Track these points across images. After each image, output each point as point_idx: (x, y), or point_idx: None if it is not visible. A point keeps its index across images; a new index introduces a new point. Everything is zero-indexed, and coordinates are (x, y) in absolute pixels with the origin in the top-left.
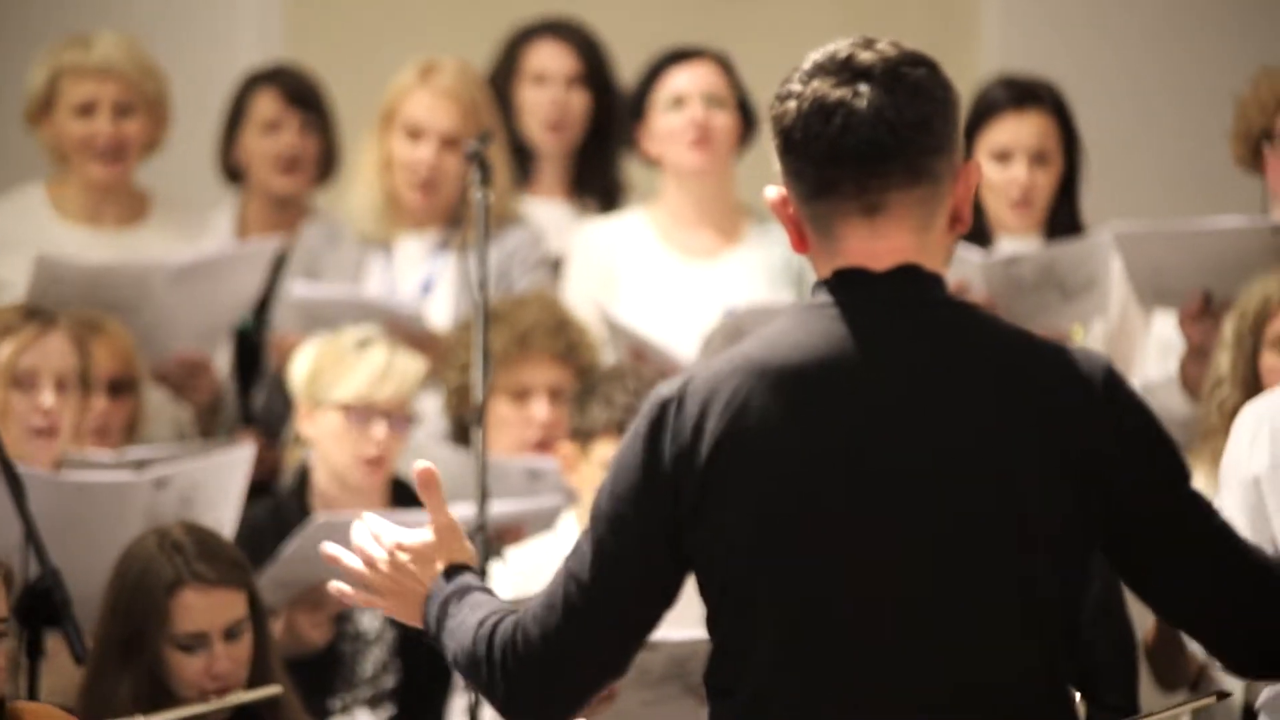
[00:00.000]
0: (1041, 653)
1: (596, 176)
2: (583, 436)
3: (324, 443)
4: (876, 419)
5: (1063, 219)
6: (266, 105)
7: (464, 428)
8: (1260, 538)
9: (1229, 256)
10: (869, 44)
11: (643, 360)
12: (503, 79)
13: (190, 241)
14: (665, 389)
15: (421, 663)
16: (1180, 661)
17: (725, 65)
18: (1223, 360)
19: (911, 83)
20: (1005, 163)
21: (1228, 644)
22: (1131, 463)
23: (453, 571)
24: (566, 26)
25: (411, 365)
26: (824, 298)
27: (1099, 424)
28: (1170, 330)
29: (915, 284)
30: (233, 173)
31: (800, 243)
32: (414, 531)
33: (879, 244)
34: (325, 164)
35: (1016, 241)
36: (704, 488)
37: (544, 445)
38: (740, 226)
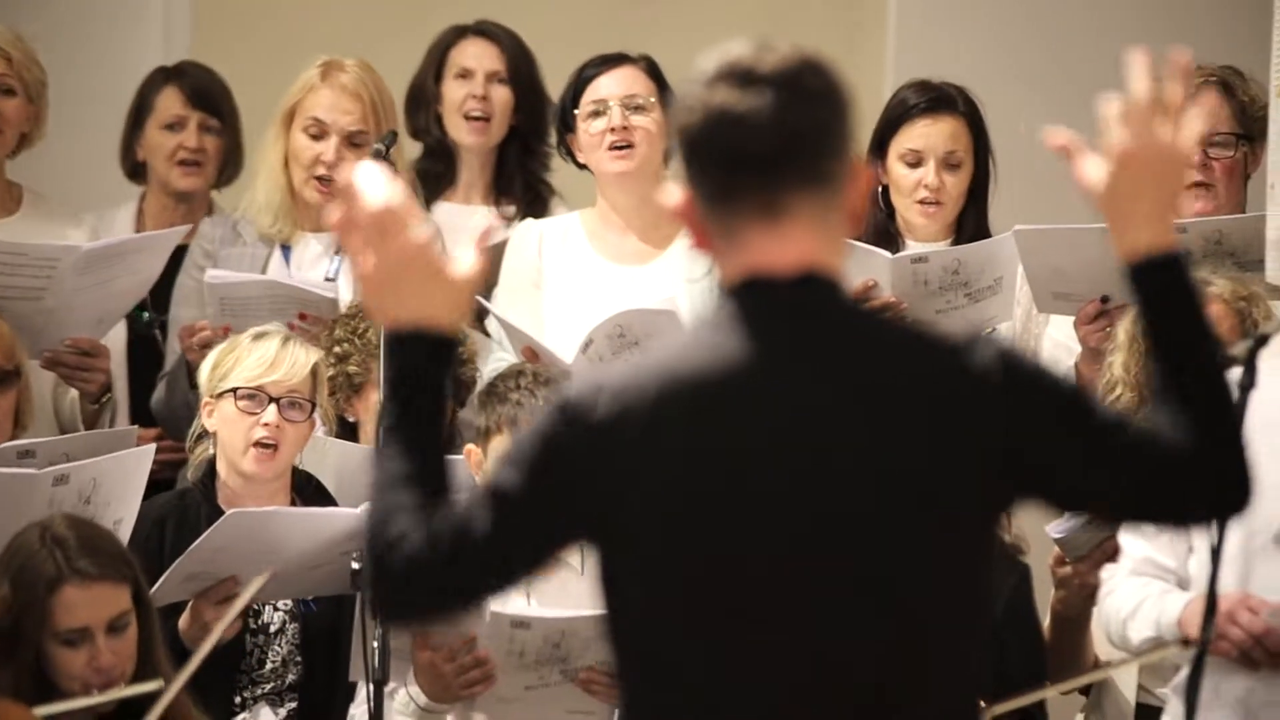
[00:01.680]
0: (962, 652)
1: (517, 179)
2: (483, 436)
3: (220, 431)
4: (787, 428)
5: (971, 224)
6: (169, 103)
7: (342, 421)
8: None
9: None
10: (768, 48)
11: (537, 360)
12: (430, 81)
13: (59, 238)
14: (576, 392)
15: (324, 658)
16: (1077, 655)
17: (650, 69)
18: (1117, 362)
19: (811, 89)
20: (916, 167)
21: (1175, 513)
22: (1037, 417)
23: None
24: (492, 27)
25: (303, 354)
26: (731, 306)
27: (1005, 403)
28: (1064, 333)
29: (819, 289)
30: (134, 169)
31: (703, 243)
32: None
33: (782, 247)
34: (227, 164)
35: (925, 247)
36: (613, 496)
37: None
38: (669, 232)
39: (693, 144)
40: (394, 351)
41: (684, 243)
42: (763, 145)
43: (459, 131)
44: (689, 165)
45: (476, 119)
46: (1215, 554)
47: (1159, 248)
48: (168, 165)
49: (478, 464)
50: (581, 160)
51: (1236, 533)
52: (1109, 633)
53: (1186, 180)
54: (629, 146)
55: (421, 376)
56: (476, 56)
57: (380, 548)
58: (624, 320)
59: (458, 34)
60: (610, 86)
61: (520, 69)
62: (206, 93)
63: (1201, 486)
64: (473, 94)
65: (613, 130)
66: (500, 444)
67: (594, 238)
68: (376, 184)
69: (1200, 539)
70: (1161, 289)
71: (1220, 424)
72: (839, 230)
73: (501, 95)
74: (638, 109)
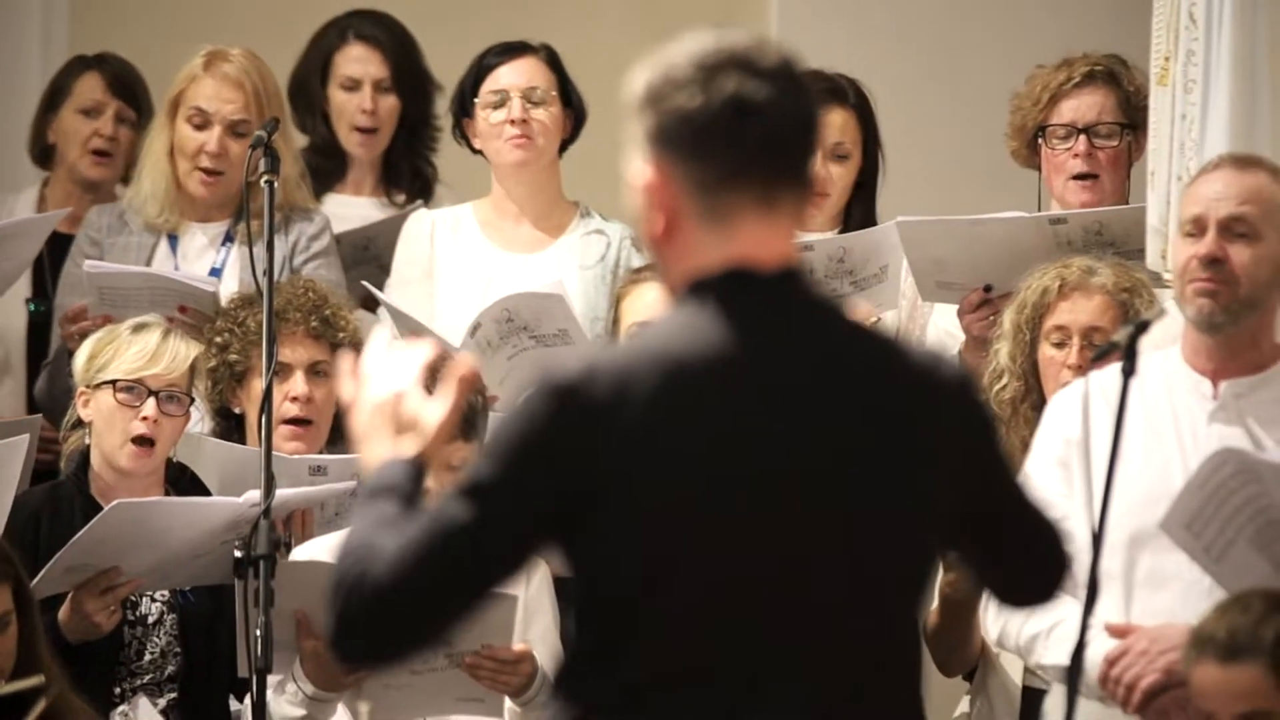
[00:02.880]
0: (913, 640)
1: (406, 171)
2: None
3: (97, 422)
4: (783, 412)
5: (859, 215)
6: (89, 88)
7: (225, 413)
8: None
9: (1008, 249)
10: (755, 40)
11: None
12: (313, 77)
13: None
14: (564, 375)
15: (203, 648)
16: (960, 646)
17: (550, 60)
18: (1002, 351)
19: (805, 84)
20: None
21: (1018, 583)
22: (983, 454)
23: (418, 467)
24: (373, 29)
25: (183, 348)
26: (719, 295)
27: (962, 420)
28: (950, 321)
29: (801, 281)
30: (43, 154)
31: (664, 231)
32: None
33: (774, 237)
34: (136, 159)
35: (812, 237)
36: (603, 480)
37: (302, 421)
38: (563, 221)
39: (699, 128)
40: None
41: (577, 231)
42: (780, 137)
43: (349, 142)
44: (686, 149)
45: (366, 131)
46: (1096, 541)
47: None
48: (80, 152)
49: None
50: (477, 146)
51: (1123, 526)
52: (1007, 637)
53: (1071, 171)
54: (528, 137)
55: (399, 486)
56: (361, 63)
57: (348, 584)
58: (511, 304)
59: (339, 36)
60: (511, 77)
61: (404, 70)
62: (126, 84)
63: (1047, 567)
64: (361, 108)
65: (512, 122)
66: None
67: (486, 226)
68: (381, 368)
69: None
70: None
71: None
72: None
73: (388, 104)
74: (538, 102)
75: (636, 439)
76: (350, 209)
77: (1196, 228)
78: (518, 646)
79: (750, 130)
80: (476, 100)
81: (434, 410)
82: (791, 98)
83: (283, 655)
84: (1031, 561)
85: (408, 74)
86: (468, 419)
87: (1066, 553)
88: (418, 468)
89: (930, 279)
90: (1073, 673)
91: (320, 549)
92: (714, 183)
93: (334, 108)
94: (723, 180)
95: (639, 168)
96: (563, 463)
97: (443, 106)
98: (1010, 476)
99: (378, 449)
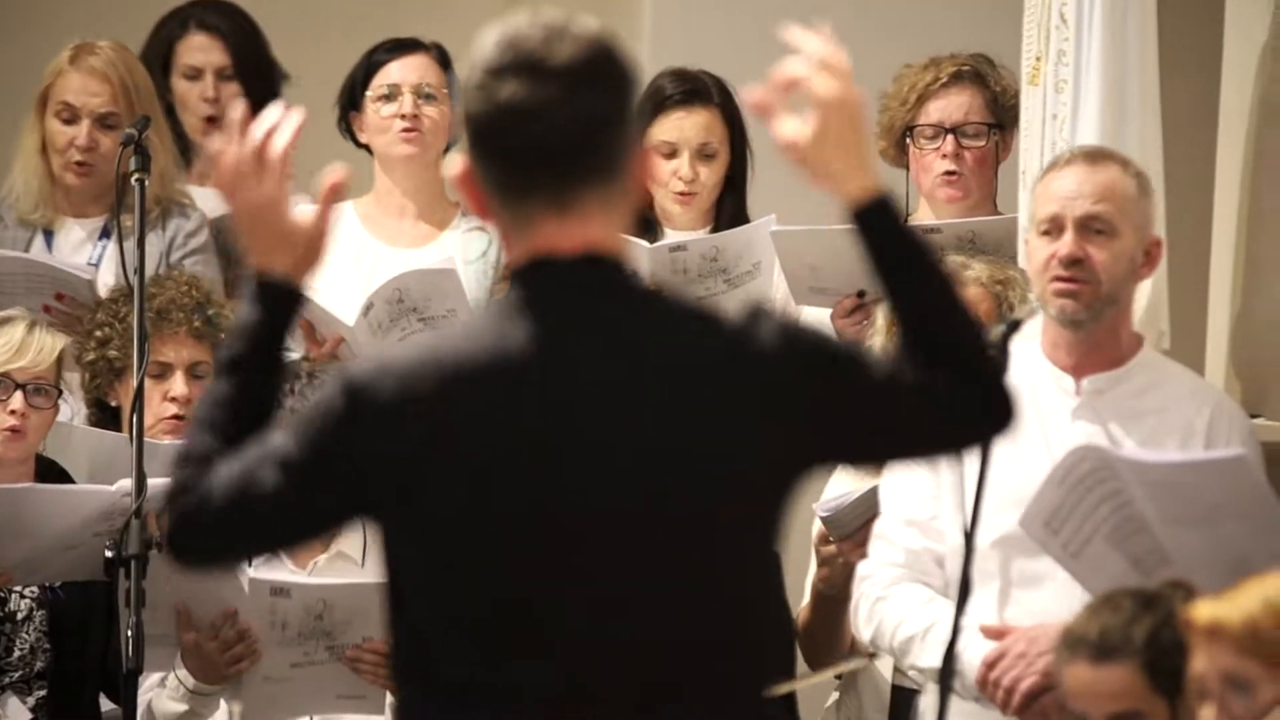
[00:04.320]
0: (741, 637)
1: None
2: None
3: None
4: (578, 402)
5: (729, 212)
6: None
7: (101, 405)
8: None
9: None
10: (559, 34)
11: (311, 333)
12: (156, 68)
13: None
14: (357, 373)
15: (73, 645)
16: (831, 641)
17: (440, 58)
18: (877, 346)
19: (602, 82)
20: (672, 157)
21: (943, 445)
22: (820, 384)
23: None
24: (216, 17)
25: (50, 340)
26: (518, 287)
27: (789, 374)
28: (820, 320)
29: (604, 268)
30: None
31: (484, 212)
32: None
33: (569, 234)
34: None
35: (683, 235)
36: (397, 478)
37: (182, 421)
38: (446, 217)
39: (481, 136)
40: (245, 296)
41: (460, 228)
42: (555, 143)
43: (194, 131)
44: (477, 155)
45: (210, 120)
46: (969, 541)
47: (871, 190)
48: None
49: None
50: (364, 140)
51: (994, 526)
52: (881, 638)
53: (938, 170)
54: (418, 131)
55: (256, 323)
56: (203, 52)
57: (174, 489)
58: (403, 284)
59: (181, 26)
60: (403, 73)
61: (246, 57)
62: None
63: (969, 410)
64: (204, 96)
65: (403, 116)
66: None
67: (368, 221)
68: (267, 129)
69: (954, 530)
70: (886, 228)
71: (971, 343)
72: (625, 215)
73: (231, 92)
74: (428, 98)
75: (416, 439)
76: (202, 200)
77: (1053, 226)
78: None
79: (523, 137)
80: (367, 94)
81: (305, 215)
82: (576, 98)
83: (165, 650)
84: (951, 395)
85: (251, 62)
86: None
87: (979, 367)
88: (283, 296)
89: (804, 284)
90: (945, 673)
91: None
92: (502, 188)
93: (177, 98)
94: (510, 188)
95: (456, 159)
96: (348, 461)
97: (291, 97)
98: (875, 371)
99: (254, 247)
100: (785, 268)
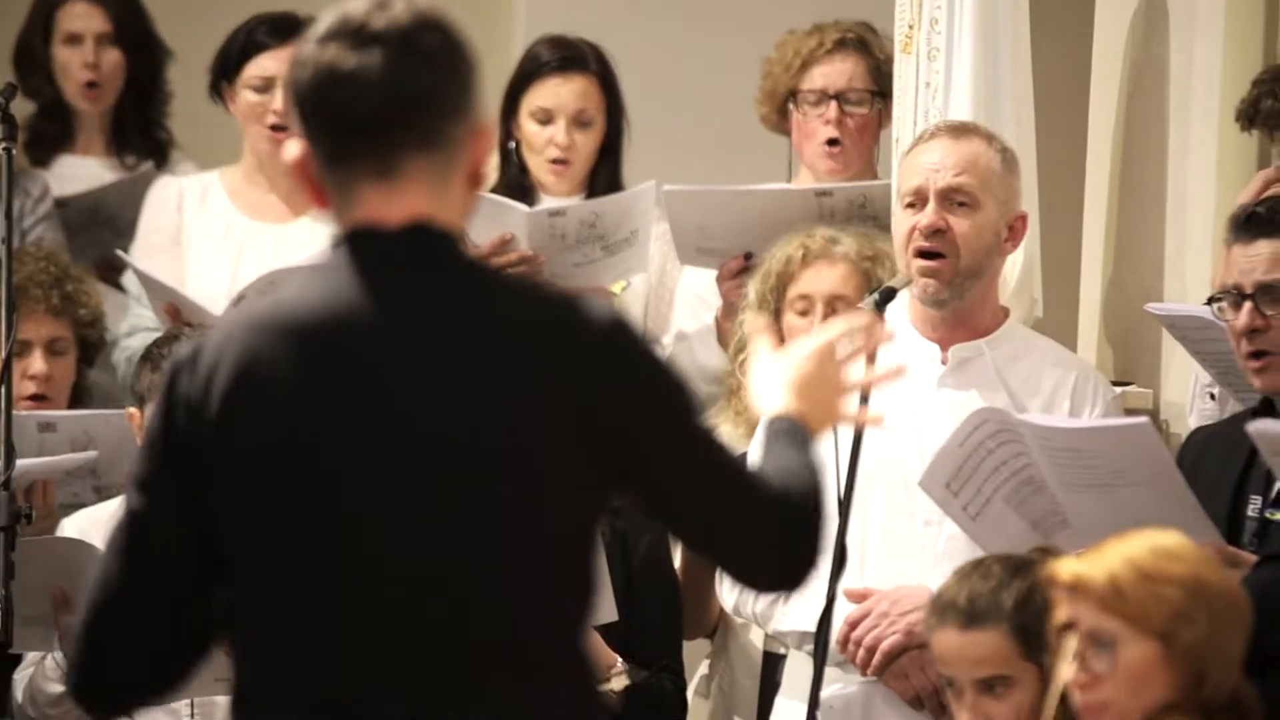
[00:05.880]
0: (551, 608)
1: (137, 134)
2: (139, 401)
3: None
4: (383, 377)
5: (604, 181)
6: None
7: None
8: None
9: (773, 220)
10: (385, 5)
11: (177, 316)
12: (36, 37)
13: None
14: (182, 350)
15: None
16: (699, 613)
17: None
18: (748, 320)
19: (423, 50)
20: (547, 124)
21: (737, 567)
22: (644, 408)
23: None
24: None
25: None
26: (336, 255)
27: (610, 373)
28: (701, 285)
29: (427, 240)
30: None
31: (320, 200)
32: None
33: (394, 206)
34: None
35: (559, 202)
36: (214, 446)
37: (41, 399)
38: None
39: (303, 103)
40: None
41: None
42: (371, 107)
43: (75, 97)
44: (302, 124)
45: (90, 85)
46: (843, 508)
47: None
48: None
49: (139, 426)
50: (233, 113)
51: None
52: (743, 604)
53: (821, 137)
54: (287, 129)
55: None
56: (84, 19)
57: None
58: (277, 278)
59: None
60: (279, 67)
61: (128, 26)
62: None
63: (767, 554)
64: (84, 61)
65: (275, 112)
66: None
67: (235, 195)
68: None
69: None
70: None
71: (812, 513)
72: (458, 190)
73: (112, 58)
74: None
75: (233, 405)
76: (81, 169)
77: (917, 198)
78: None
79: (339, 102)
80: (240, 76)
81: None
82: (395, 63)
83: (43, 630)
84: (747, 545)
85: (131, 30)
86: None
87: (793, 538)
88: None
89: (691, 244)
90: (819, 638)
91: (90, 525)
92: (327, 157)
93: (58, 65)
94: (332, 156)
95: (294, 144)
96: (179, 441)
97: (174, 73)
98: (695, 441)
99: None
100: (674, 226)
